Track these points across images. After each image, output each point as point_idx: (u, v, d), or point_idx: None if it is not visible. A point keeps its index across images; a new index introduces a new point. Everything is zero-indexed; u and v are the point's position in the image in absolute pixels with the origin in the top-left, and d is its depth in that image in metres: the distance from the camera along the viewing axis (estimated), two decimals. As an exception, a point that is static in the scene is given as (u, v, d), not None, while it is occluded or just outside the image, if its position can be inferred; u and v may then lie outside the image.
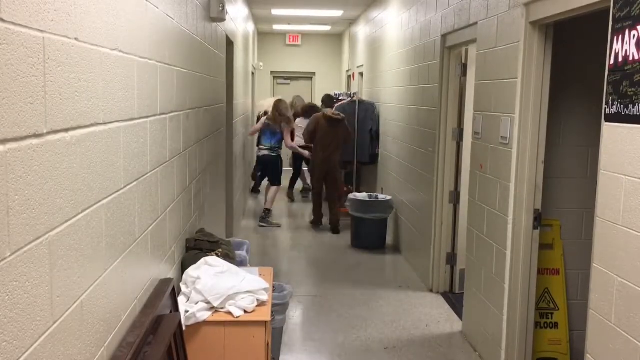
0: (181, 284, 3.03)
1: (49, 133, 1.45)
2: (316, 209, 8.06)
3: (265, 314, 2.92)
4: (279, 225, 8.16)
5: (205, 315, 2.83)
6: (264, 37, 13.80)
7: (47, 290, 1.46)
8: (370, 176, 8.99)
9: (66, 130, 1.56)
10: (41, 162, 1.42)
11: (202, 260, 3.11)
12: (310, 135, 7.86)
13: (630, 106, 2.27)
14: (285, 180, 9.60)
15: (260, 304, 2.99)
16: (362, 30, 10.40)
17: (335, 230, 7.75)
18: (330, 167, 7.78)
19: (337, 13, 10.35)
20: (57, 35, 1.50)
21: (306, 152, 8.55)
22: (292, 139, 8.84)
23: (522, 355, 3.65)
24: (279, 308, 3.65)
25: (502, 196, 3.73)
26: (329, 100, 8.72)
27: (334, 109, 8.27)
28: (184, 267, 3.20)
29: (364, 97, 9.25)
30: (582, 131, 3.96)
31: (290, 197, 10.07)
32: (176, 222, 3.14)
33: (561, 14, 3.07)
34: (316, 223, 8.07)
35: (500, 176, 3.76)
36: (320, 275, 6.04)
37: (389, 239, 7.21)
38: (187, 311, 2.81)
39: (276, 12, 10.25)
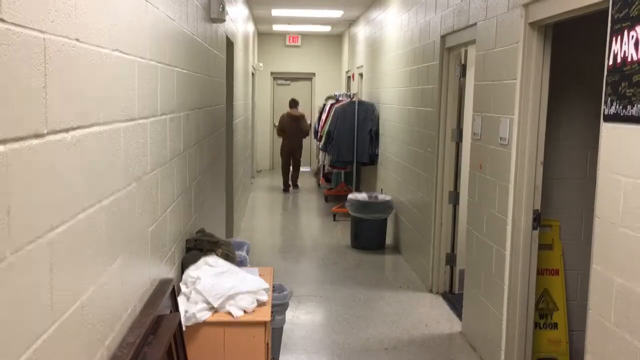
0: (181, 284, 3.04)
1: (49, 133, 1.46)
2: (285, 178, 11.26)
3: (265, 314, 2.92)
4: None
5: (205, 316, 2.83)
6: (264, 37, 13.81)
7: (47, 290, 1.46)
8: (370, 176, 9.00)
9: (66, 130, 1.57)
10: (41, 162, 1.42)
11: (202, 260, 3.12)
12: (279, 129, 11.24)
13: (629, 107, 2.28)
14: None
15: (260, 304, 2.99)
16: (361, 31, 10.40)
17: (294, 184, 11.47)
18: (293, 150, 11.11)
19: (337, 13, 10.34)
20: (57, 36, 1.50)
21: None
22: None
23: (522, 355, 3.65)
24: (279, 308, 3.65)
25: (502, 197, 3.73)
26: (293, 103, 11.27)
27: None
28: (184, 267, 3.20)
29: (364, 98, 9.26)
30: (581, 132, 3.96)
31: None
32: (176, 222, 3.15)
33: (560, 14, 3.08)
34: (285, 189, 11.24)
35: (500, 177, 3.77)
36: (320, 275, 6.04)
37: (389, 239, 7.22)
38: (187, 311, 2.81)
39: (276, 12, 10.26)
